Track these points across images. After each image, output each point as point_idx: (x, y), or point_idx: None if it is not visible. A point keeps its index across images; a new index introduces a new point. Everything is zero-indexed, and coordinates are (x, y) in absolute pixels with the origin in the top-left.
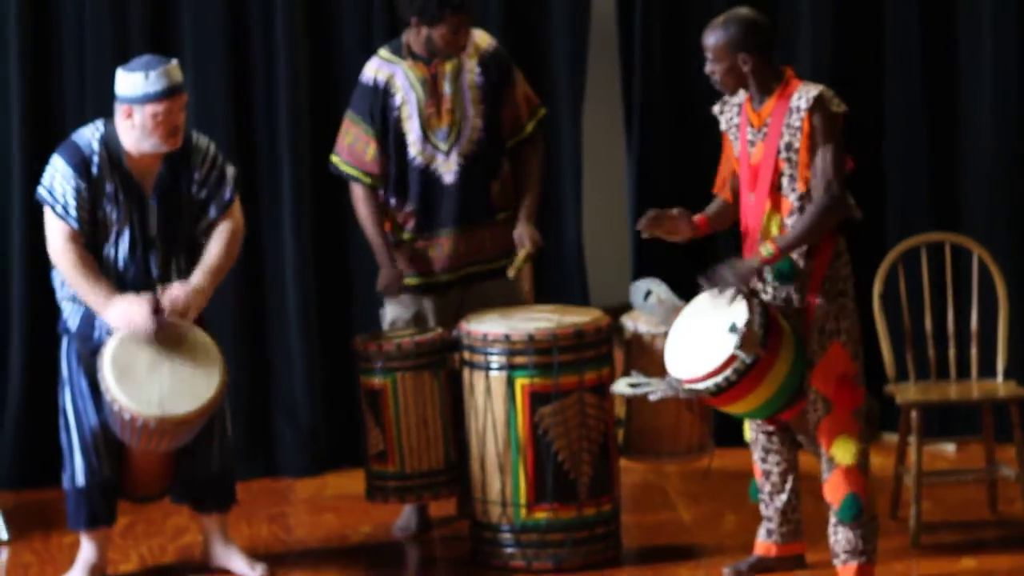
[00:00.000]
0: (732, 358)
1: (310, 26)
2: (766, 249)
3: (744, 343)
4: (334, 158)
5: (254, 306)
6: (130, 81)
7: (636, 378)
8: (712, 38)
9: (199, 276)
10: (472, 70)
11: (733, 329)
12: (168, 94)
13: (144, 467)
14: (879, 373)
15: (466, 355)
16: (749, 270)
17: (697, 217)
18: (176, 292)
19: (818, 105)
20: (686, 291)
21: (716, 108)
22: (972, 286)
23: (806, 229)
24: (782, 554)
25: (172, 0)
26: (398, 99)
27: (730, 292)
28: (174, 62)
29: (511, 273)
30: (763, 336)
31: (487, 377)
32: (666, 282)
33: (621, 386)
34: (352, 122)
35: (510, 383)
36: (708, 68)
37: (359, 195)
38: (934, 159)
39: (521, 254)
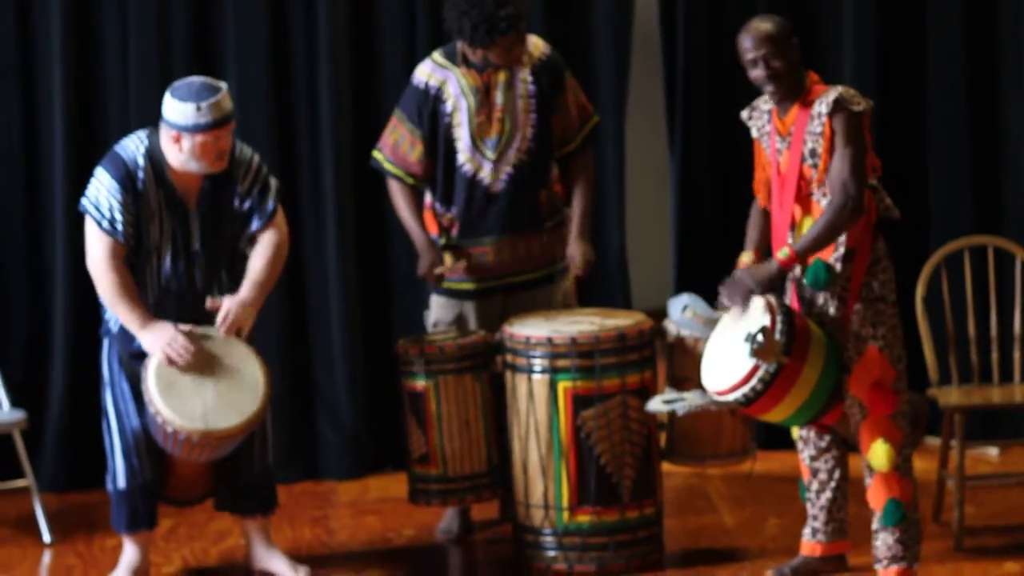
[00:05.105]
0: (755, 368)
1: (352, 29)
2: (783, 252)
3: (761, 352)
4: (376, 154)
5: (296, 309)
6: (181, 110)
7: (670, 394)
8: (766, 27)
9: (247, 291)
10: (525, 79)
11: (749, 339)
12: (218, 125)
13: (185, 472)
14: (922, 377)
15: (508, 358)
16: (767, 275)
17: (749, 258)
18: (228, 305)
19: (837, 108)
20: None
21: (744, 114)
22: (1015, 289)
23: (821, 231)
24: (826, 553)
25: (215, 6)
26: (449, 106)
27: (751, 299)
28: (224, 89)
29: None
30: (786, 344)
31: (529, 380)
32: (707, 289)
33: (656, 403)
34: (399, 121)
35: (552, 386)
36: (764, 70)
37: (396, 191)
38: (976, 162)
39: (571, 276)
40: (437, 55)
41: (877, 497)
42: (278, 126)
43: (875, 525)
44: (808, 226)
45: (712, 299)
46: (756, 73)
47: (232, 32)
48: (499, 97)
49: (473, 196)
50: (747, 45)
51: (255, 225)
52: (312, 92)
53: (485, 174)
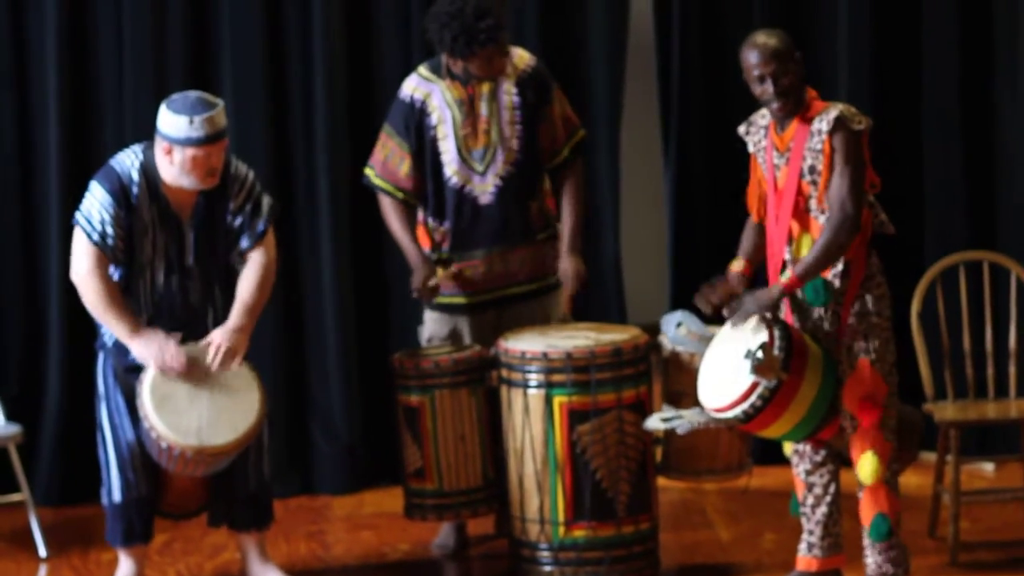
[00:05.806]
0: (755, 385)
1: (348, 42)
2: (785, 276)
3: (761, 369)
4: (368, 170)
5: (292, 322)
6: (174, 122)
7: (668, 412)
8: (773, 43)
9: (237, 317)
10: (509, 91)
11: (749, 356)
12: (210, 141)
13: (181, 485)
14: (917, 392)
15: (504, 372)
16: (770, 299)
17: (740, 266)
18: (219, 340)
19: (838, 126)
20: (720, 316)
21: (742, 129)
22: (1010, 304)
23: (821, 252)
24: (823, 568)
25: (211, 17)
26: (434, 119)
27: (752, 321)
28: (220, 106)
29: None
30: (785, 360)
31: (525, 395)
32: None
33: (654, 421)
34: (388, 136)
35: (548, 401)
36: (773, 86)
37: (388, 207)
38: (971, 178)
39: (564, 295)
40: (422, 69)
41: (866, 511)
42: (274, 137)
43: (865, 541)
44: (805, 242)
45: (706, 314)
46: (762, 89)
47: (228, 43)
48: (484, 109)
49: (462, 209)
50: (754, 61)
51: (243, 244)
52: (307, 102)
53: (473, 186)
